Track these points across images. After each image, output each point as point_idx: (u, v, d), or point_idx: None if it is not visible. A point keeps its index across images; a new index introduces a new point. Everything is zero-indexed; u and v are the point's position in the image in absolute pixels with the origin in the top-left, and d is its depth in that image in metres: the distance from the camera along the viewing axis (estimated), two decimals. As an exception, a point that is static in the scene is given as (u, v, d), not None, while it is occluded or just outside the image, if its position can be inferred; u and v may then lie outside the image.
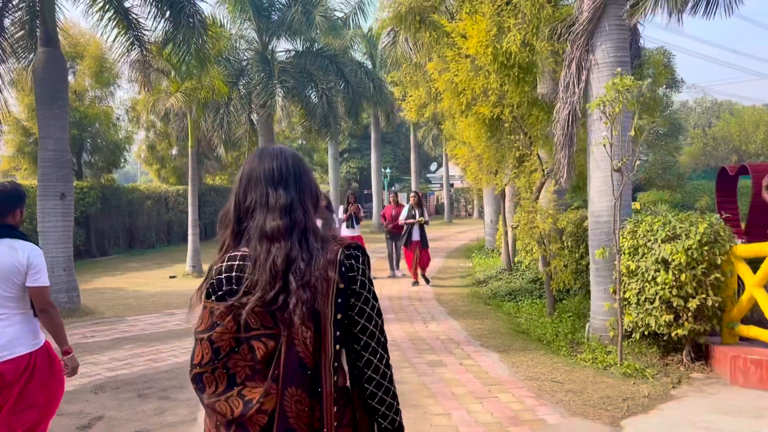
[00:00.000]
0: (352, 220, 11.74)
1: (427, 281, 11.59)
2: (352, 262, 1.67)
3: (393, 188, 44.65)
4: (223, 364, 1.63)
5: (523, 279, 10.56)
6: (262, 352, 1.62)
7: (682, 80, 18.83)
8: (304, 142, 40.43)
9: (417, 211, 11.70)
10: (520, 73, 7.34)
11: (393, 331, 7.39)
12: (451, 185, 46.38)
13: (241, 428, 1.61)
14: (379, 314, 1.72)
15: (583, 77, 6.98)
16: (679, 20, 8.71)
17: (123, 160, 20.34)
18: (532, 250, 11.69)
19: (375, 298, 1.71)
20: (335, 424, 1.64)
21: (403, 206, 12.11)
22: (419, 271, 11.60)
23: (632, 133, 6.11)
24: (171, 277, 13.59)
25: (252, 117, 19.38)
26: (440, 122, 23.44)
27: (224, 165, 27.84)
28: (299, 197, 1.72)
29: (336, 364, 1.64)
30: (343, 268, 1.65)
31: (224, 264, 1.68)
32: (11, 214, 3.13)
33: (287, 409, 1.59)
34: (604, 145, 6.16)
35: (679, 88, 19.22)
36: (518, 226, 12.47)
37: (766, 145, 36.51)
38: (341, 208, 12.10)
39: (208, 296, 1.67)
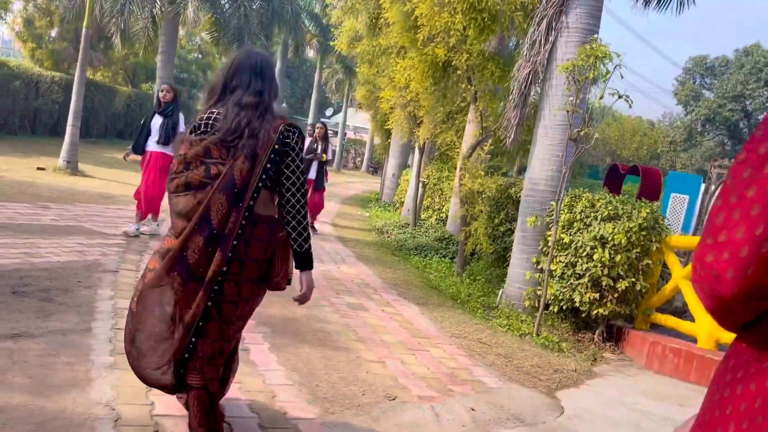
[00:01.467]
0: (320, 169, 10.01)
1: (314, 230, 9.88)
2: (290, 133, 2.47)
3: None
4: (187, 177, 2.44)
5: (428, 236, 10.38)
6: (214, 171, 2.42)
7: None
8: (200, 56, 37.69)
9: (320, 146, 10.14)
10: (489, 19, 6.92)
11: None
12: (344, 134, 45.71)
13: (182, 218, 2.43)
14: (302, 173, 2.50)
15: (551, 38, 6.70)
16: (646, 6, 8.73)
17: (-7, 27, 17.54)
18: (441, 208, 11.56)
19: (300, 162, 2.50)
20: (243, 227, 2.41)
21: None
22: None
23: (596, 103, 5.94)
24: (39, 168, 11.93)
25: (155, 13, 17.45)
26: (356, 65, 22.65)
27: (111, 61, 25.19)
28: (268, 87, 2.55)
29: (257, 193, 2.43)
30: (281, 136, 2.45)
31: (205, 115, 2.53)
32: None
33: (211, 205, 2.39)
34: (567, 111, 5.95)
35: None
36: (429, 182, 12.29)
37: (638, 152, 39.53)
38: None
39: (191, 133, 2.52)
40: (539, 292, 6.18)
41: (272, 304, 5.04)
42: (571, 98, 5.93)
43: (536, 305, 6.26)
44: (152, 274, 2.50)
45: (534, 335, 5.82)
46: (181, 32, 25.57)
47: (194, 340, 2.44)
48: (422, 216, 11.95)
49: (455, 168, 10.42)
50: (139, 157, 7.12)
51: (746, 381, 0.88)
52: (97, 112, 23.27)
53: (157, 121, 6.91)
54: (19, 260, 5.02)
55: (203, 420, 2.47)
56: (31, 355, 3.27)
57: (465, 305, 6.65)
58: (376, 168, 42.68)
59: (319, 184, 10.11)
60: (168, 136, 6.81)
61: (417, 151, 11.44)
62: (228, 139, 2.42)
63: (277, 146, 2.43)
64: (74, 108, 12.44)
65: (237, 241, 2.40)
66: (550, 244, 6.00)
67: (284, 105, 33.68)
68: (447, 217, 10.88)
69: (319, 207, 10.33)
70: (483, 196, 8.01)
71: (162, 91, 7.08)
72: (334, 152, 10.72)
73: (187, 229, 2.40)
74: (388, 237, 10.78)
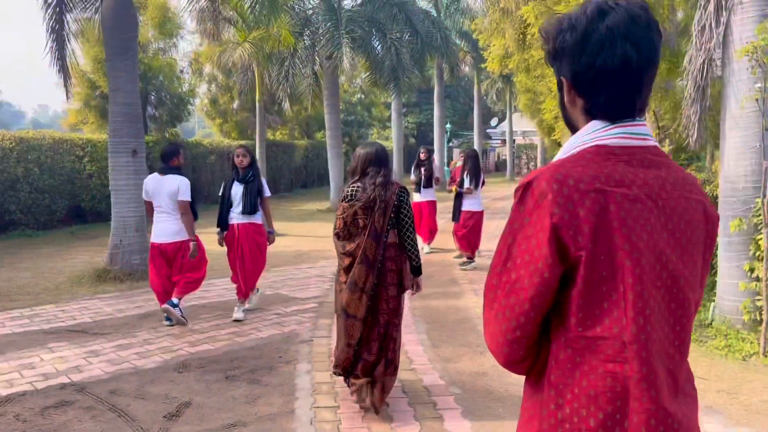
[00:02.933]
0: (422, 182, 10.28)
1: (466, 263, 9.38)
2: (402, 193, 3.98)
3: (451, 144, 43.51)
4: (347, 230, 3.99)
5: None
6: (362, 223, 3.93)
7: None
8: (363, 97, 39.56)
9: (422, 171, 10.31)
10: (646, 14, 6.32)
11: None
12: (513, 141, 44.84)
13: (349, 256, 3.94)
14: (412, 218, 4.01)
15: (723, 19, 5.94)
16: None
17: (186, 114, 20.04)
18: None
19: (410, 212, 4.02)
20: (383, 255, 3.91)
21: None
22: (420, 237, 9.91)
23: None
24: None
25: (315, 70, 18.68)
26: (514, 75, 22.21)
27: (285, 120, 27.38)
28: (386, 167, 4.05)
29: (387, 234, 3.93)
30: (398, 196, 3.95)
31: (350, 188, 4.01)
32: (172, 160, 5.90)
33: (367, 247, 3.88)
34: (757, 99, 5.20)
35: None
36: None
37: None
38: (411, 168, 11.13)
39: (343, 200, 4.01)
40: (759, 303, 5.41)
41: (460, 358, 4.98)
42: (758, 84, 5.18)
43: (758, 318, 5.49)
44: (340, 293, 4.07)
45: (761, 355, 5.08)
46: (342, 78, 27.13)
47: (366, 329, 3.96)
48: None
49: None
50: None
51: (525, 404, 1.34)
52: (280, 169, 25.36)
53: (238, 190, 6.17)
54: (228, 341, 5.54)
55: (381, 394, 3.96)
56: (245, 447, 3.54)
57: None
58: (551, 170, 41.13)
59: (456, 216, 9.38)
60: (254, 205, 6.17)
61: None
62: (368, 205, 3.92)
63: (395, 203, 3.96)
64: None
65: (380, 264, 3.93)
66: (763, 249, 5.24)
67: (447, 125, 33.96)
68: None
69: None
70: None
71: (238, 156, 6.25)
72: (437, 179, 10.48)
73: (355, 262, 3.92)
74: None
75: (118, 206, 8.05)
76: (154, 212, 5.91)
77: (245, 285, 6.35)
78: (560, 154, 1.31)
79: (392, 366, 4.00)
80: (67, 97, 8.96)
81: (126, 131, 7.96)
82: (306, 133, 31.19)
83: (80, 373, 4.74)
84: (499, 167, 47.73)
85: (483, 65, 18.87)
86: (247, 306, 6.49)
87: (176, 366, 4.91)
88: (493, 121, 49.33)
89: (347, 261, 3.96)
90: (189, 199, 5.78)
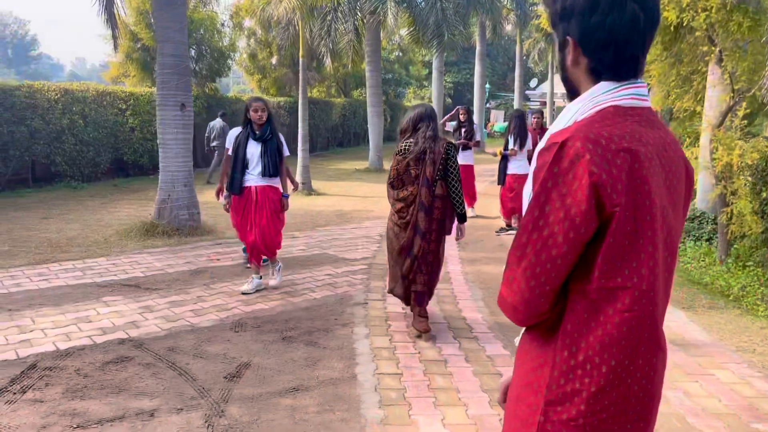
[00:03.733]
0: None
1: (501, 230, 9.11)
2: (450, 149, 4.52)
3: (488, 105, 42.58)
4: (400, 179, 4.55)
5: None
6: (414, 173, 4.48)
7: None
8: (400, 55, 38.77)
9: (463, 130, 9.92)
10: (731, -34, 5.84)
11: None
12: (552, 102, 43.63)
13: (402, 202, 4.55)
14: (458, 171, 4.55)
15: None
16: None
17: (227, 69, 19.83)
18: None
19: (457, 165, 4.55)
20: (433, 201, 4.47)
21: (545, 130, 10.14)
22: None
23: None
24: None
25: (357, 25, 18.21)
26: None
27: (323, 77, 26.98)
28: (435, 125, 4.57)
29: (437, 183, 4.47)
30: (444, 150, 4.48)
31: (403, 144, 4.53)
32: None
33: (422, 194, 4.45)
34: None
35: None
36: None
37: None
38: (450, 126, 10.70)
39: (396, 154, 4.56)
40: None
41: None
42: None
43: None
44: (392, 233, 4.69)
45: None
46: (381, 35, 26.51)
47: (417, 262, 4.56)
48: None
49: (696, 136, 9.17)
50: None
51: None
52: (318, 127, 25.13)
53: (255, 149, 5.50)
54: (281, 301, 5.44)
55: (423, 310, 4.67)
56: (309, 413, 3.43)
57: (741, 302, 5.74)
58: (591, 134, 40.07)
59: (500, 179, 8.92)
60: (276, 165, 5.55)
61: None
62: (419, 157, 4.48)
63: (443, 156, 4.49)
64: (302, 132, 13.45)
65: (431, 209, 4.50)
66: None
67: (487, 85, 33.16)
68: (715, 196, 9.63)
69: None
70: (743, 167, 6.86)
71: (256, 111, 5.50)
72: (477, 141, 9.95)
73: (408, 207, 4.55)
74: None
75: (167, 161, 7.96)
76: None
77: (268, 250, 5.72)
78: (572, 114, 1.34)
79: (432, 293, 4.83)
80: (115, 48, 8.81)
81: (174, 84, 7.79)
82: (343, 90, 30.79)
83: (137, 328, 4.69)
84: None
85: (534, 22, 18.13)
86: (272, 282, 5.85)
87: (232, 325, 4.83)
88: (533, 82, 48.08)
89: (399, 206, 4.60)
90: (229, 147, 5.67)
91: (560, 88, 42.74)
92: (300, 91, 13.52)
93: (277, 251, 5.93)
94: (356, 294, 5.72)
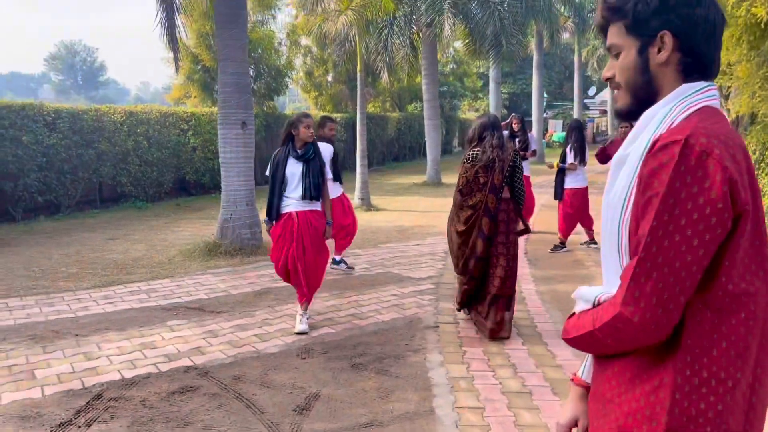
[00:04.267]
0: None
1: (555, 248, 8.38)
2: (516, 156, 4.80)
3: (545, 114, 41.66)
4: (469, 186, 4.77)
5: None
6: (482, 180, 4.71)
7: None
8: (455, 67, 38.47)
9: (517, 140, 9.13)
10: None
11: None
12: (606, 111, 42.34)
13: (471, 209, 4.77)
14: (522, 175, 4.83)
15: None
16: None
17: (284, 87, 20.01)
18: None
19: (522, 170, 4.84)
20: (499, 207, 4.74)
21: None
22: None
23: None
24: (340, 209, 13.04)
25: (412, 39, 18.07)
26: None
27: (378, 92, 26.96)
28: (500, 133, 4.84)
29: (504, 188, 4.74)
30: (512, 158, 4.74)
31: (470, 152, 4.79)
32: (322, 130, 6.84)
33: (489, 200, 4.69)
34: None
35: None
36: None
37: None
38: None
39: (465, 162, 4.82)
40: None
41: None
42: None
43: None
44: (457, 236, 4.90)
45: None
46: (437, 47, 26.32)
47: (485, 268, 4.80)
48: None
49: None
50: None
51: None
52: (373, 143, 25.04)
53: (295, 170, 4.90)
54: (348, 324, 5.20)
55: (501, 313, 4.79)
56: (387, 453, 3.15)
57: None
58: (656, 142, 38.64)
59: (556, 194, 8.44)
60: (318, 187, 4.95)
61: (735, 125, 9.60)
62: (488, 165, 4.69)
63: (510, 164, 4.71)
64: (360, 147, 13.33)
65: (498, 215, 4.72)
66: None
67: (545, 95, 32.43)
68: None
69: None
70: None
71: (307, 127, 4.87)
72: (534, 151, 9.42)
73: (477, 213, 4.73)
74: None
75: (228, 180, 7.90)
76: None
77: (308, 288, 5.02)
78: (664, 116, 1.26)
79: (512, 300, 4.88)
80: (177, 69, 8.90)
81: (235, 102, 7.75)
82: (398, 105, 30.71)
83: (202, 355, 4.53)
84: (596, 139, 45.42)
85: (593, 31, 17.51)
86: (299, 328, 4.98)
87: (299, 351, 4.61)
88: (591, 91, 46.89)
89: (468, 213, 4.81)
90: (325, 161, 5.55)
91: (621, 96, 41.40)
92: (358, 107, 13.43)
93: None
94: (426, 316, 5.42)
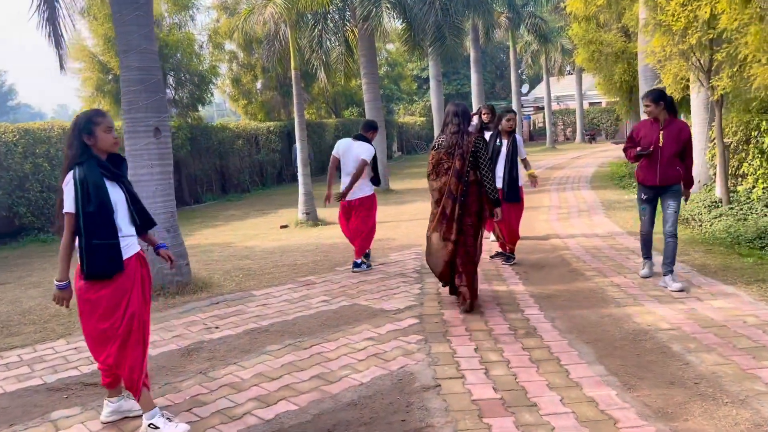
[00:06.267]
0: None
1: (508, 259, 7.03)
2: (479, 142, 5.03)
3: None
4: (435, 172, 5.18)
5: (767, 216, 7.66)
6: (446, 166, 5.07)
7: None
8: (389, 69, 37.35)
9: (504, 142, 7.14)
10: None
11: (667, 315, 4.86)
12: (541, 108, 42.24)
13: (438, 192, 5.15)
14: (488, 158, 5.07)
15: None
16: None
17: (210, 95, 18.23)
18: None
19: (487, 155, 5.08)
20: (466, 190, 5.03)
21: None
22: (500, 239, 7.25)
23: None
24: (282, 226, 11.48)
25: (347, 36, 16.71)
26: (552, 33, 19.49)
27: (312, 98, 25.44)
28: (464, 120, 5.12)
29: (468, 173, 5.00)
30: (473, 144, 5.00)
31: (438, 140, 5.22)
32: (369, 131, 7.12)
33: (451, 184, 5.02)
34: None
35: None
36: (733, 141, 9.45)
37: None
38: (471, 128, 8.31)
39: (432, 149, 5.26)
40: None
41: (684, 409, 3.10)
42: None
43: None
44: (433, 224, 5.26)
45: None
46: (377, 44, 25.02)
47: (456, 248, 5.10)
48: (742, 188, 9.13)
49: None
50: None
51: None
52: (311, 151, 23.53)
53: (117, 194, 3.24)
54: (315, 395, 3.71)
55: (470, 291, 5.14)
56: None
57: None
58: (592, 136, 38.75)
59: (511, 194, 6.92)
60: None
61: (716, 108, 8.67)
62: (449, 151, 5.10)
63: (473, 149, 5.02)
64: (301, 156, 11.82)
65: (463, 197, 5.04)
66: None
67: (483, 95, 31.64)
68: (784, 184, 8.03)
69: (514, 232, 7.01)
70: None
71: (101, 129, 3.18)
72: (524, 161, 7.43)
73: (442, 196, 5.11)
74: (701, 227, 8.24)
75: (143, 201, 6.25)
76: (342, 172, 6.95)
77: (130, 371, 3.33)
78: None
79: (474, 267, 5.20)
80: (61, 68, 7.16)
81: (144, 104, 6.13)
82: (334, 111, 29.26)
83: None
84: (533, 136, 45.29)
85: (563, 5, 16.72)
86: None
87: (248, 450, 3.10)
88: (524, 88, 46.81)
89: (437, 195, 5.17)
90: (368, 159, 6.81)
91: (556, 91, 41.44)
92: (295, 110, 11.91)
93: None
94: (419, 370, 4.00)
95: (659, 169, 5.52)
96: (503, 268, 6.80)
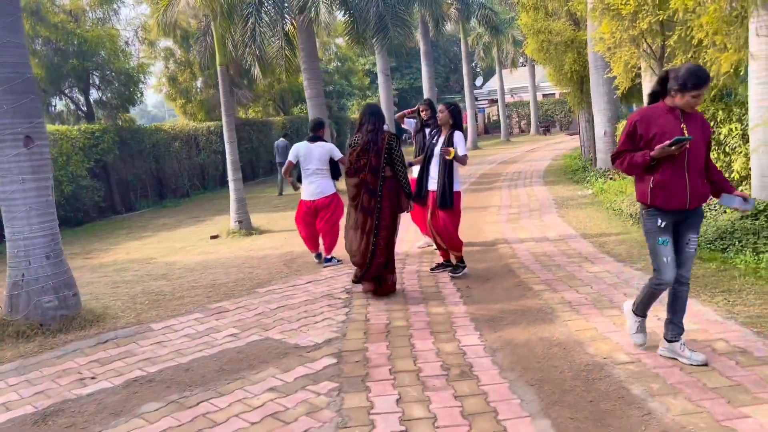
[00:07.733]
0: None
1: (456, 269, 6.37)
2: (392, 139, 5.52)
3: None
4: (353, 169, 5.54)
5: (725, 213, 7.11)
6: (363, 162, 5.48)
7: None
8: (339, 64, 36.40)
9: (441, 136, 6.33)
10: None
11: (624, 343, 4.15)
12: (495, 101, 41.90)
13: (355, 188, 5.55)
14: (402, 155, 5.57)
15: None
16: None
17: (139, 95, 17.04)
18: (726, 168, 8.15)
19: (401, 152, 5.56)
20: (381, 185, 5.50)
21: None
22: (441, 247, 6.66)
23: None
24: (212, 237, 10.53)
25: (286, 29, 15.77)
26: (504, 24, 18.84)
27: (257, 95, 24.38)
28: (378, 120, 5.59)
29: (384, 169, 5.49)
30: (388, 142, 5.50)
31: (354, 138, 5.63)
32: (320, 131, 7.26)
33: (368, 180, 5.48)
34: None
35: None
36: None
37: None
38: (409, 123, 7.49)
39: (348, 147, 5.67)
40: None
41: None
42: None
43: None
44: (348, 215, 5.70)
45: None
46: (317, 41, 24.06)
47: (373, 239, 5.48)
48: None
49: (741, 106, 7.09)
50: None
51: None
52: (257, 151, 22.53)
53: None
54: (184, 481, 2.87)
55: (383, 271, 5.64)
56: None
57: None
58: (547, 127, 38.61)
59: (444, 200, 6.15)
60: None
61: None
62: (365, 148, 5.47)
63: (386, 146, 5.46)
64: (231, 159, 10.89)
65: (380, 191, 5.45)
66: None
67: (435, 89, 31.03)
68: (742, 178, 7.50)
69: (453, 239, 6.28)
70: None
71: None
72: (465, 157, 6.23)
73: (360, 191, 5.48)
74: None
75: (14, 223, 5.29)
76: (304, 175, 7.11)
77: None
78: None
79: (391, 264, 5.70)
80: None
81: (11, 108, 5.15)
82: (281, 108, 28.21)
83: None
84: (488, 129, 45.00)
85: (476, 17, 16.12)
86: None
87: None
88: (478, 81, 46.46)
89: (354, 191, 5.56)
90: (341, 155, 7.14)
91: (510, 83, 41.17)
92: (223, 108, 10.97)
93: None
94: (324, 436, 3.19)
95: (689, 182, 3.54)
96: (443, 284, 6.05)
